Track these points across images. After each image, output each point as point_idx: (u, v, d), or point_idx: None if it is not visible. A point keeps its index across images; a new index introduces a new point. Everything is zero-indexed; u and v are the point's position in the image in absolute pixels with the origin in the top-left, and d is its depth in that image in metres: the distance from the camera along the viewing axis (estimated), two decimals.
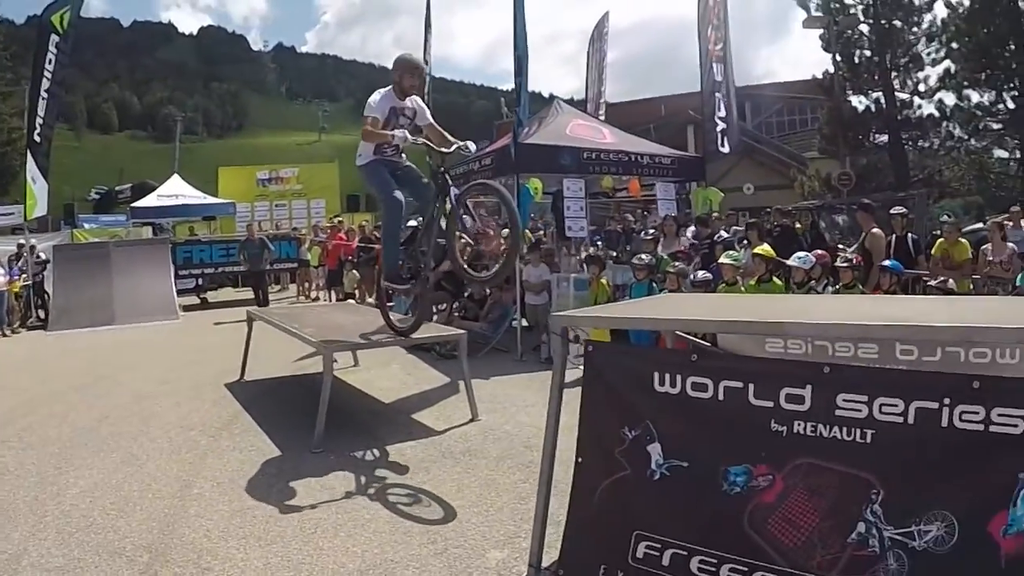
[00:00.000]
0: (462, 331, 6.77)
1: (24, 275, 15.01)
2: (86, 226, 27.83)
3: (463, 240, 5.18)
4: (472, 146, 5.44)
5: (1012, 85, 16.94)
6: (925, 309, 3.51)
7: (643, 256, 8.06)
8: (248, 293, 16.76)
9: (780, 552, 2.80)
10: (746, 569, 2.85)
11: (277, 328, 7.22)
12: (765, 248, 7.21)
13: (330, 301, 15.17)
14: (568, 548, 3.36)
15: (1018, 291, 7.24)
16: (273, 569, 3.67)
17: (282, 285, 19.82)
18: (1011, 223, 10.45)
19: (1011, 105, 17.06)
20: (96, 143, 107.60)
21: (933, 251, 8.23)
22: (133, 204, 23.16)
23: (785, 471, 2.86)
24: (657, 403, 3.16)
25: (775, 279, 6.95)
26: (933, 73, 17.63)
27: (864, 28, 17.93)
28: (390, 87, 5.27)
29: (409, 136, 5.12)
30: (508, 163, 9.59)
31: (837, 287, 6.84)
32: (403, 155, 5.55)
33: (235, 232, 21.44)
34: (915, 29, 17.49)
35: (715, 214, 10.88)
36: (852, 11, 17.84)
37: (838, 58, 17.83)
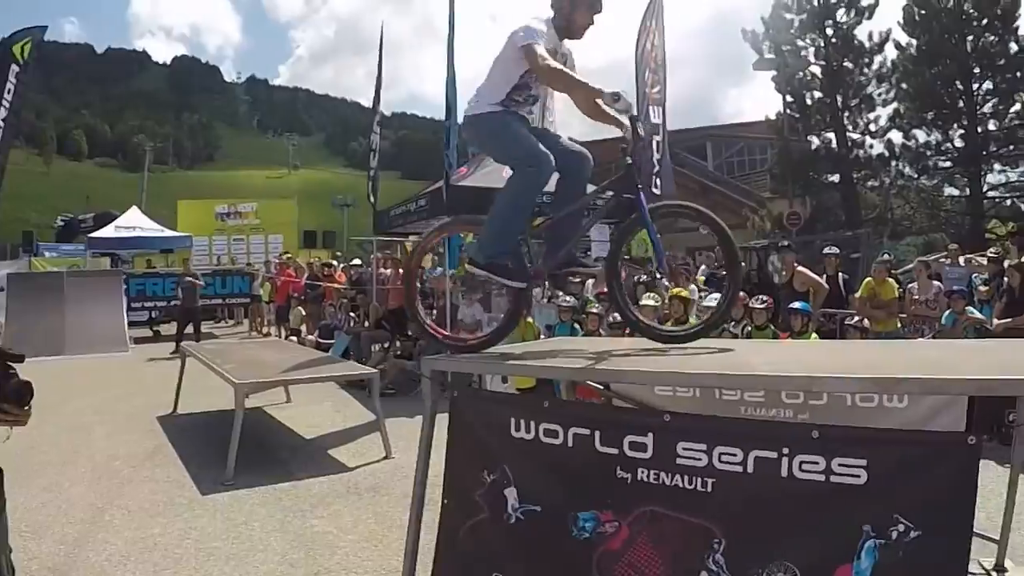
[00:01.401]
0: (374, 370, 6.91)
1: None
2: (46, 254, 27.79)
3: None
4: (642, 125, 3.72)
5: (960, 124, 17.61)
6: (789, 357, 3.52)
7: (568, 298, 8.07)
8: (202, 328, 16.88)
9: None
10: None
11: (203, 364, 7.45)
12: (680, 290, 7.42)
13: (280, 336, 15.36)
14: None
15: (943, 331, 7.40)
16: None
17: (236, 320, 19.92)
18: (948, 261, 10.74)
19: (959, 144, 17.74)
20: (64, 170, 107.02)
21: (860, 291, 8.32)
22: (91, 235, 23.25)
23: (630, 518, 2.90)
24: (513, 448, 3.24)
25: (691, 319, 7.01)
26: (884, 113, 18.28)
27: (816, 70, 18.59)
28: (548, 17, 3.52)
29: (625, 98, 3.25)
30: (441, 205, 9.45)
31: (749, 328, 7.02)
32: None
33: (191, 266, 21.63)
34: (865, 70, 18.11)
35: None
36: (803, 53, 18.52)
37: (788, 99, 18.50)
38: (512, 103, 3.55)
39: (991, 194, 18.10)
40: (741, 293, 7.88)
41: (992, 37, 16.99)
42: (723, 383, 3.37)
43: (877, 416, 3.57)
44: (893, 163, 18.06)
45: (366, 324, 11.15)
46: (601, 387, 4.20)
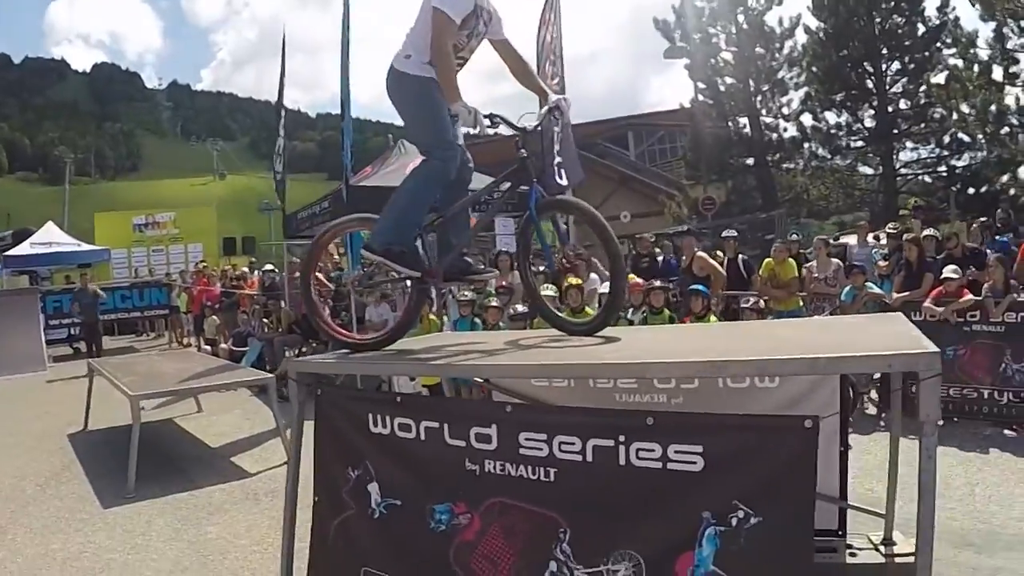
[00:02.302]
0: (268, 375, 6.96)
1: None
2: None
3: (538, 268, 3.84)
4: (567, 104, 3.56)
5: (870, 105, 18.19)
6: (651, 344, 3.55)
7: (466, 292, 7.94)
8: (122, 341, 16.52)
9: None
10: None
11: (104, 378, 7.40)
12: (575, 279, 7.41)
13: (198, 347, 15.15)
14: None
15: (842, 307, 7.61)
16: None
17: (157, 332, 19.48)
18: (857, 237, 10.89)
19: (869, 124, 18.35)
20: None
21: (761, 271, 8.53)
22: (6, 253, 22.38)
23: (481, 509, 2.93)
24: (372, 444, 3.26)
25: (587, 309, 7.02)
26: (796, 97, 18.73)
27: (727, 56, 19.01)
28: None
29: (482, 119, 3.24)
30: (342, 206, 9.18)
31: (644, 314, 7.15)
32: None
33: (111, 279, 21.14)
34: (777, 55, 18.57)
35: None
36: (714, 40, 18.90)
37: (701, 86, 18.90)
38: None
39: (904, 171, 18.70)
40: (639, 279, 8.20)
41: (899, 18, 17.59)
42: (544, 372, 3.43)
43: (749, 398, 3.59)
44: (806, 145, 18.57)
45: (279, 330, 11.13)
46: (482, 380, 4.20)
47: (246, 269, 16.66)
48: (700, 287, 7.17)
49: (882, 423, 6.90)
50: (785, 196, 18.90)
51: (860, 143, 18.88)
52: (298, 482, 3.50)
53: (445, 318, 8.67)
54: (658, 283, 7.41)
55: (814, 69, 18.06)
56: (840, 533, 3.95)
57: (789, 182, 19.38)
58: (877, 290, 7.67)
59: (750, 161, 19.24)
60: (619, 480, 2.57)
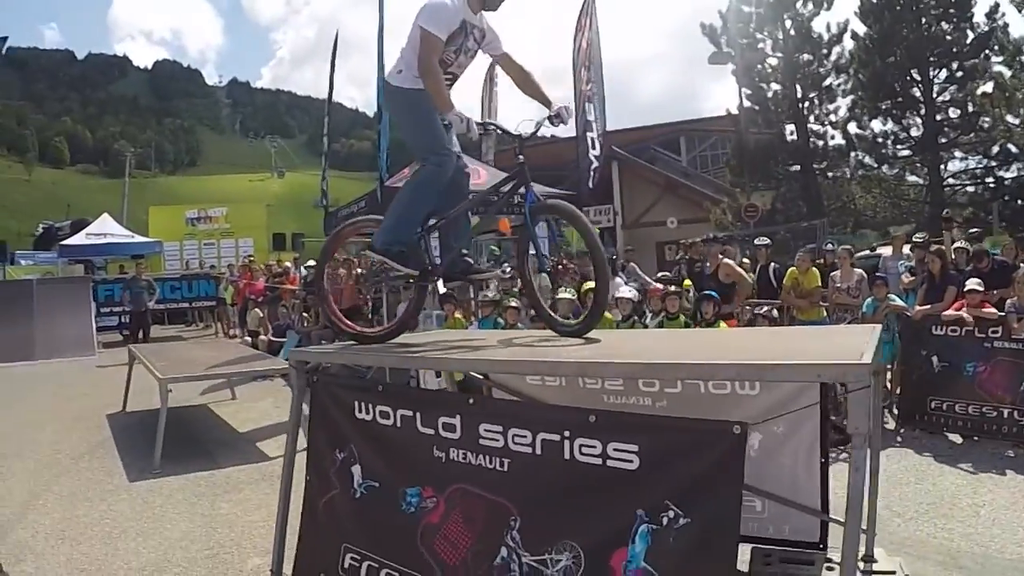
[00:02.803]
0: (286, 364, 7.38)
1: None
2: (22, 263, 28.18)
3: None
4: (568, 112, 3.73)
5: (916, 113, 17.75)
6: (632, 346, 3.73)
7: (488, 293, 8.36)
8: (171, 330, 17.32)
9: (443, 570, 3.08)
10: None
11: (141, 363, 7.90)
12: (592, 284, 7.83)
13: (242, 338, 15.78)
14: (299, 557, 3.78)
15: (864, 318, 7.46)
16: (74, 563, 4.53)
17: (205, 323, 20.31)
18: (892, 248, 10.80)
19: (915, 133, 17.90)
20: (47, 177, 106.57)
21: (785, 280, 8.53)
22: (62, 243, 23.63)
23: (446, 494, 3.13)
24: (357, 428, 3.53)
25: (607, 313, 7.18)
26: (843, 104, 18.40)
27: (773, 62, 18.81)
28: None
29: (475, 127, 3.50)
30: (377, 205, 9.69)
31: (662, 319, 7.29)
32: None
33: (163, 271, 22.16)
34: (824, 61, 18.28)
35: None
36: (760, 46, 18.75)
37: (747, 92, 18.69)
38: None
39: (952, 182, 18.19)
40: (659, 285, 8.31)
41: (947, 24, 17.12)
42: (511, 368, 3.69)
43: (731, 404, 3.65)
44: (853, 153, 18.24)
45: (317, 324, 11.57)
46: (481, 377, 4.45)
47: (289, 264, 17.23)
48: (711, 292, 7.26)
49: (899, 439, 6.88)
50: (832, 205, 18.58)
51: (907, 152, 18.48)
52: (294, 463, 3.81)
53: (474, 318, 8.92)
54: (674, 288, 7.51)
55: (860, 76, 17.73)
56: (821, 546, 3.91)
57: (837, 191, 19.04)
58: (899, 303, 7.60)
59: (796, 169, 18.96)
60: (564, 474, 2.72)
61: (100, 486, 6.04)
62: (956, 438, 6.80)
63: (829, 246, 10.85)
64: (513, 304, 7.83)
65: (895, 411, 7.42)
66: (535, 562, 2.73)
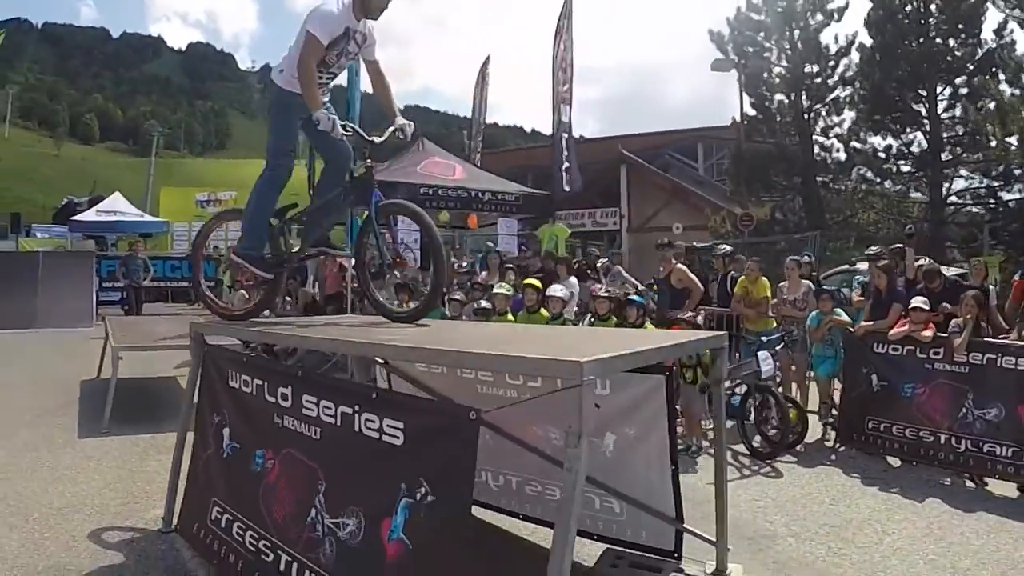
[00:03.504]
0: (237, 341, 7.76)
1: None
2: (38, 235, 29.27)
3: (373, 260, 4.46)
4: (410, 128, 4.29)
5: (919, 129, 17.56)
6: (441, 335, 3.92)
7: (456, 295, 8.67)
8: (173, 308, 17.99)
9: (274, 526, 3.44)
10: (258, 537, 3.53)
11: (108, 335, 8.49)
12: (534, 281, 7.96)
13: None
14: (182, 508, 4.31)
15: (809, 331, 7.61)
16: (3, 498, 5.17)
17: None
18: (868, 263, 10.50)
19: (917, 149, 17.76)
20: (76, 153, 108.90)
21: (736, 289, 8.62)
22: (72, 218, 24.57)
23: (280, 457, 3.52)
24: (228, 395, 3.97)
25: (542, 310, 7.49)
26: (848, 117, 18.34)
27: (779, 71, 18.85)
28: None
29: (339, 126, 3.95)
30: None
31: (592, 320, 7.49)
32: (329, 92, 4.45)
33: (170, 250, 23.02)
34: (831, 72, 18.22)
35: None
36: (766, 55, 18.78)
37: (750, 100, 18.88)
38: None
39: (954, 200, 17.98)
40: (599, 287, 8.53)
41: (952, 40, 16.91)
42: (305, 344, 4.44)
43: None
44: (854, 168, 18.17)
45: (295, 308, 12.05)
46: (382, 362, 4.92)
47: None
48: (636, 298, 7.36)
49: (834, 456, 6.89)
50: (834, 219, 18.59)
51: (908, 168, 18.32)
52: (190, 424, 4.32)
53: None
54: (603, 293, 7.71)
55: (862, 90, 17.68)
56: (676, 555, 4.08)
57: (840, 205, 19.01)
58: (844, 317, 7.62)
59: (798, 180, 18.99)
60: (354, 444, 3.04)
61: (51, 440, 6.73)
62: (895, 461, 6.72)
63: (805, 258, 10.93)
64: (456, 297, 8.27)
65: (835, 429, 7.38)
66: (332, 524, 3.05)
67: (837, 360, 7.53)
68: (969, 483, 6.20)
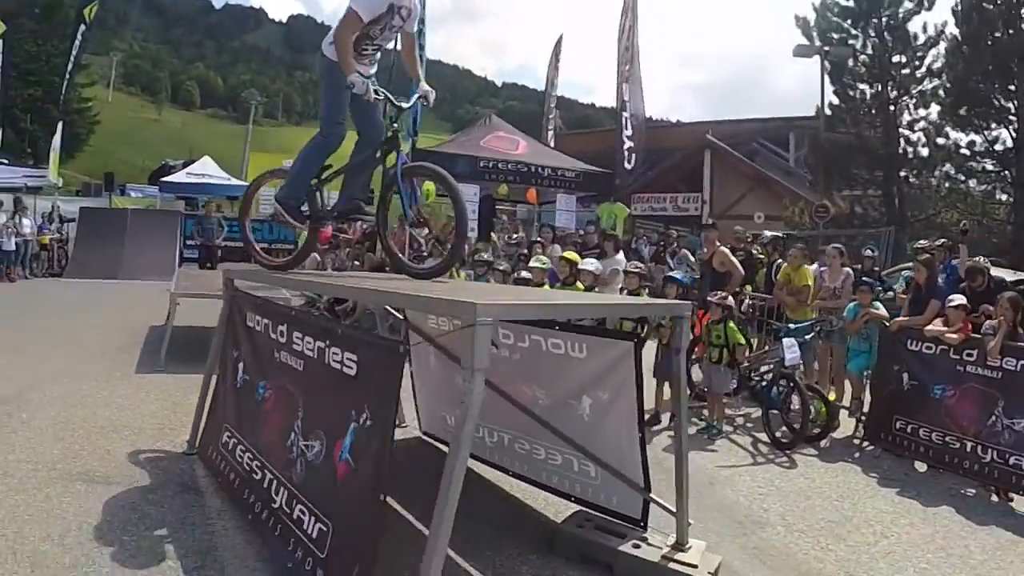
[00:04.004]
0: (288, 295, 8.15)
1: (51, 230, 18.27)
2: (132, 194, 31.60)
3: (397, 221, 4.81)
4: (432, 95, 4.69)
5: (1004, 125, 16.72)
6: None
7: (483, 255, 9.27)
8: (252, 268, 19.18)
9: (264, 448, 3.92)
10: (252, 458, 4.03)
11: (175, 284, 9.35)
12: (570, 254, 8.23)
13: None
14: (203, 435, 4.88)
15: (846, 322, 7.47)
16: (57, 417, 5.93)
17: None
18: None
19: (999, 147, 16.94)
20: (176, 118, 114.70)
21: (778, 276, 8.61)
22: (163, 179, 26.37)
23: (276, 387, 3.99)
24: (246, 333, 4.49)
25: (578, 282, 7.76)
26: (934, 111, 17.65)
27: (864, 59, 18.20)
28: None
29: (371, 90, 4.25)
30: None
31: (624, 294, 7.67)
32: (374, 66, 4.71)
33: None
34: (919, 64, 17.59)
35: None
36: (851, 42, 18.11)
37: (833, 89, 18.30)
38: (358, 53, 4.40)
39: None
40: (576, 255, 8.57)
41: None
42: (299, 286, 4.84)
43: (565, 362, 4.23)
44: (939, 165, 17.40)
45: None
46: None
47: None
48: (675, 275, 7.58)
49: (857, 454, 6.72)
50: (916, 216, 17.86)
51: (992, 167, 17.42)
52: (217, 361, 4.89)
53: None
54: (633, 269, 7.85)
55: (948, 83, 16.90)
56: (642, 524, 4.23)
57: (923, 202, 18.23)
58: (880, 311, 7.46)
59: (879, 174, 18.30)
60: (325, 375, 3.46)
61: (110, 373, 7.58)
62: (921, 465, 6.45)
63: (868, 252, 10.66)
64: (500, 267, 8.58)
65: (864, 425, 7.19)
66: (304, 446, 3.50)
67: (871, 355, 7.37)
68: (994, 496, 5.86)
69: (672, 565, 3.81)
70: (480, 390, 2.68)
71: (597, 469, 4.34)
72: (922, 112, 17.68)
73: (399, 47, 4.87)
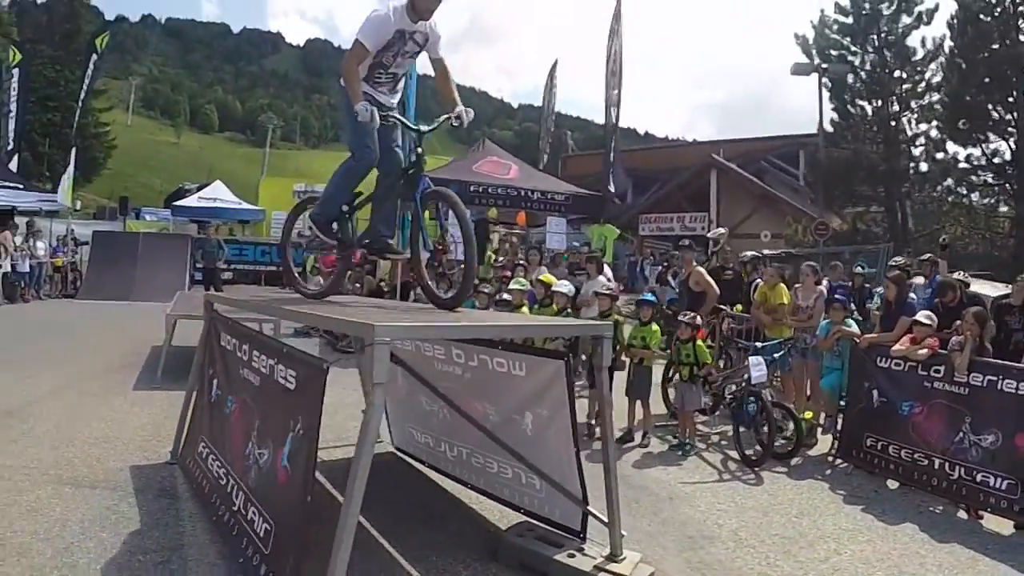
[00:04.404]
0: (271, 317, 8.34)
1: (66, 253, 19.04)
2: (147, 218, 32.57)
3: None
4: (468, 115, 4.56)
5: (1002, 137, 16.84)
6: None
7: (486, 287, 9.33)
8: (266, 291, 19.81)
9: (230, 458, 4.36)
10: (220, 466, 4.48)
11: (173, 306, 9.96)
12: (546, 277, 8.64)
13: None
14: (184, 445, 5.36)
15: (819, 340, 7.64)
16: (57, 427, 6.59)
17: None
18: (923, 277, 9.76)
19: (998, 160, 17.02)
20: (194, 142, 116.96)
21: (755, 295, 8.83)
22: (175, 203, 27.24)
23: (239, 401, 4.42)
24: (219, 351, 4.96)
25: (554, 304, 8.15)
26: (935, 125, 17.78)
27: (862, 75, 18.43)
28: (402, 3, 4.33)
29: (377, 117, 4.20)
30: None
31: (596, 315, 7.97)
32: (397, 94, 4.79)
33: (267, 236, 25.12)
34: (917, 78, 17.80)
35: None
36: (851, 58, 18.38)
37: (829, 105, 18.56)
38: (372, 81, 4.51)
39: None
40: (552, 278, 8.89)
41: None
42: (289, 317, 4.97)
43: (508, 379, 4.57)
44: (937, 179, 17.51)
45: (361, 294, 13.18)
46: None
47: None
48: (649, 297, 7.86)
49: (828, 471, 6.81)
50: (920, 232, 17.96)
51: (992, 180, 17.53)
52: (198, 375, 5.37)
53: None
54: (604, 290, 8.16)
55: (945, 96, 17.07)
56: (581, 535, 4.52)
57: (926, 218, 18.35)
58: (852, 328, 7.57)
59: (881, 190, 18.46)
60: (273, 390, 3.88)
61: (110, 390, 8.16)
62: (893, 483, 6.50)
63: (858, 268, 10.82)
64: (484, 291, 8.86)
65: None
66: (258, 454, 3.91)
67: (844, 372, 7.47)
68: (961, 513, 5.88)
69: (602, 575, 4.05)
70: (381, 401, 3.07)
71: (541, 482, 4.61)
72: (923, 127, 17.92)
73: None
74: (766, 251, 15.48)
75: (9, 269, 16.78)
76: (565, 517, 4.58)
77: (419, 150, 4.51)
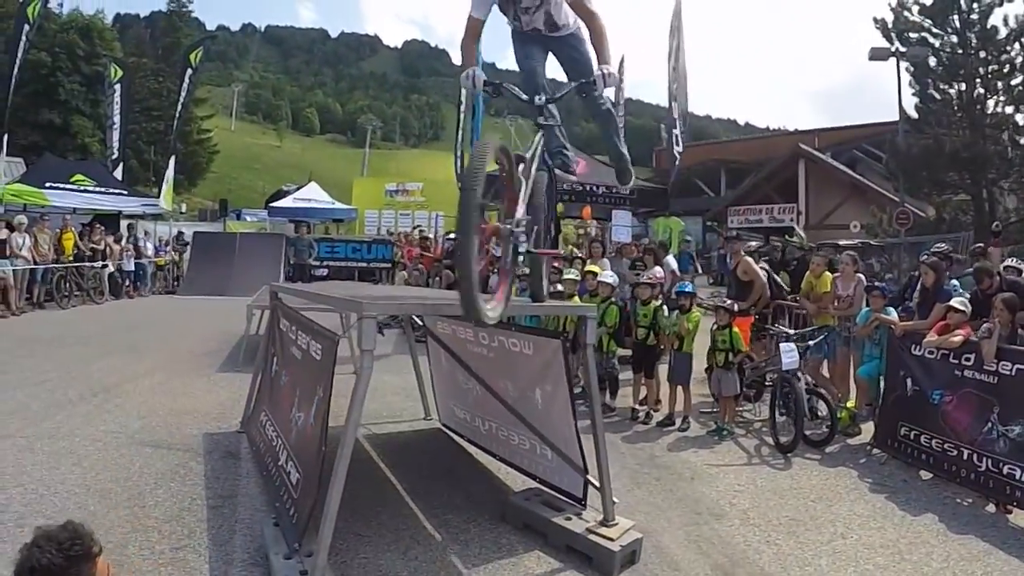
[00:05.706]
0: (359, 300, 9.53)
1: (169, 252, 20.92)
2: (247, 218, 34.91)
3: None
4: (604, 80, 3.89)
5: None
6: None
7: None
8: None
9: (280, 422, 5.13)
10: (273, 428, 5.27)
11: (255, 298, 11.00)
12: (593, 267, 9.05)
13: None
14: (250, 416, 6.25)
15: (859, 328, 7.68)
16: (143, 402, 7.60)
17: (389, 281, 23.68)
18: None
19: None
20: (296, 144, 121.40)
21: (803, 284, 8.93)
22: (271, 204, 29.16)
23: (289, 374, 5.23)
24: (278, 334, 5.78)
25: (599, 293, 8.48)
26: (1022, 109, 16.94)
27: (944, 58, 17.82)
28: None
29: (478, 79, 3.94)
30: None
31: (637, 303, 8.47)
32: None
33: (360, 234, 26.79)
34: (1004, 60, 17.10)
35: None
36: (932, 40, 17.79)
37: (911, 90, 18.07)
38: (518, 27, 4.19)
39: None
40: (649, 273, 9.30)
41: None
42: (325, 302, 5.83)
43: (520, 357, 5.10)
44: (1020, 165, 16.68)
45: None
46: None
47: (430, 236, 20.15)
48: (687, 286, 8.22)
49: (863, 460, 6.81)
50: (1009, 220, 17.13)
51: None
52: (266, 355, 6.26)
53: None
54: (601, 278, 8.60)
55: None
56: (582, 503, 4.92)
57: (1015, 204, 17.48)
58: (890, 316, 7.55)
59: (967, 178, 17.71)
60: (308, 361, 4.62)
61: (196, 372, 9.27)
62: (927, 473, 6.39)
63: (923, 258, 10.63)
64: (570, 276, 8.96)
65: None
66: (297, 416, 4.67)
67: (882, 361, 7.46)
68: (990, 507, 5.71)
69: (591, 537, 4.44)
70: (370, 365, 3.70)
71: (551, 452, 5.08)
72: (1009, 110, 17.22)
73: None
74: (842, 241, 15.25)
75: (114, 268, 18.64)
76: (570, 485, 5.04)
77: (540, 119, 4.10)
